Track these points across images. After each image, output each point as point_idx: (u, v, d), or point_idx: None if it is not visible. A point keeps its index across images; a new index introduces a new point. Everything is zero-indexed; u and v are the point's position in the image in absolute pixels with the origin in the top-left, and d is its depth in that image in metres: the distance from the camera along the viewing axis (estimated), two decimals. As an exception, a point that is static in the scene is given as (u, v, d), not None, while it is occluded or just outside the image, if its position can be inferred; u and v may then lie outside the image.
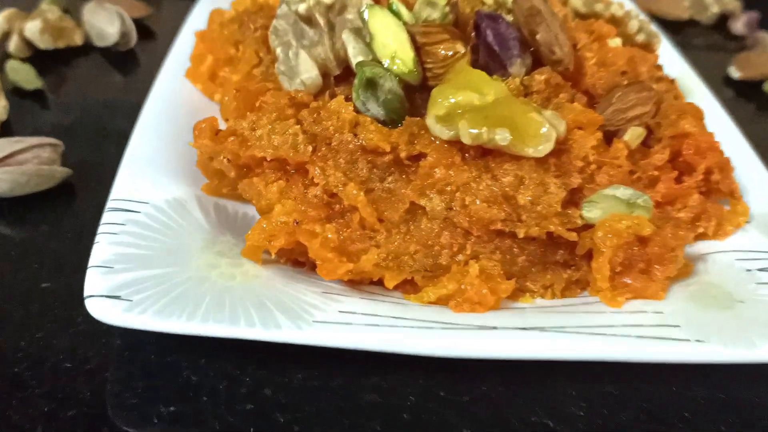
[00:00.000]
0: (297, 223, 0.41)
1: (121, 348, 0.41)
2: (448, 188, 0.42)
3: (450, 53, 0.45)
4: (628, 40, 0.57)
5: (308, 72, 0.46)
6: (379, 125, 0.43)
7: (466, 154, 0.42)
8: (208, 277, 0.40)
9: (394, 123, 0.45)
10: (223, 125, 0.50)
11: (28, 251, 0.49)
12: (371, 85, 0.43)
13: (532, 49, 0.48)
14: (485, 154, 0.42)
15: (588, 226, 0.42)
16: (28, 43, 0.72)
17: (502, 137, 0.40)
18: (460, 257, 0.42)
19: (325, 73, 0.47)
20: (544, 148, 0.41)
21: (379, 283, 0.42)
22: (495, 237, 0.42)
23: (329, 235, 0.41)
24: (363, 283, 0.42)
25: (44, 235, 0.50)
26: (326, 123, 0.43)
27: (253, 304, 0.38)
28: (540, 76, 0.46)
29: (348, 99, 0.45)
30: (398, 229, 0.42)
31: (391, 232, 0.42)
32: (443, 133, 0.41)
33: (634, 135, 0.45)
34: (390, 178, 0.43)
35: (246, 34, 0.54)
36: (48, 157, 0.53)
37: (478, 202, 0.41)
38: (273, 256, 0.42)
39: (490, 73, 0.47)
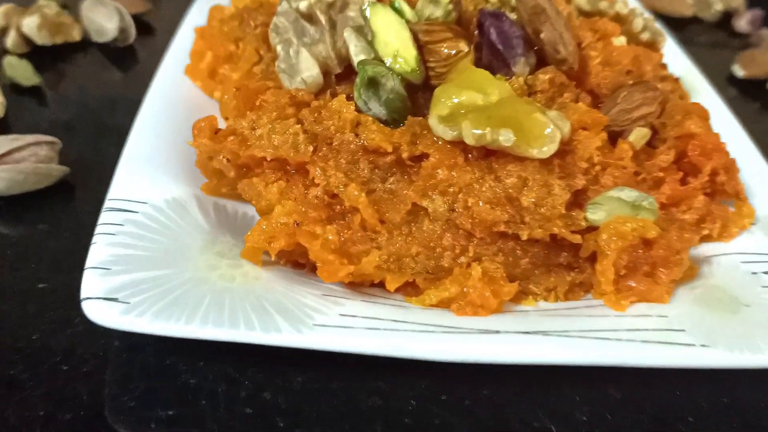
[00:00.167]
0: (297, 224, 0.40)
1: (120, 349, 0.41)
2: (451, 189, 0.41)
3: (453, 52, 0.45)
4: (632, 39, 0.56)
5: (309, 70, 0.45)
6: (381, 125, 0.42)
7: (469, 155, 0.42)
8: (207, 279, 0.39)
9: (396, 123, 0.44)
10: (222, 124, 0.49)
11: (26, 251, 0.48)
12: (373, 84, 0.43)
13: (536, 48, 0.47)
14: (488, 154, 0.42)
15: (592, 229, 0.42)
16: (25, 38, 0.71)
17: (505, 138, 0.39)
18: (463, 259, 0.41)
19: (326, 72, 0.46)
20: (549, 150, 0.40)
21: (381, 285, 0.42)
22: (498, 239, 0.41)
23: (330, 237, 0.40)
24: (364, 285, 0.42)
25: (42, 235, 0.50)
26: (327, 122, 0.43)
27: (253, 306, 0.37)
28: (544, 76, 0.45)
29: (349, 98, 0.44)
30: (400, 230, 0.41)
31: (393, 234, 0.41)
32: (446, 133, 0.41)
33: (639, 136, 0.45)
34: (392, 179, 0.42)
35: (246, 31, 0.53)
36: (45, 155, 0.53)
37: (481, 204, 0.40)
38: (273, 258, 0.41)
39: (493, 72, 0.46)
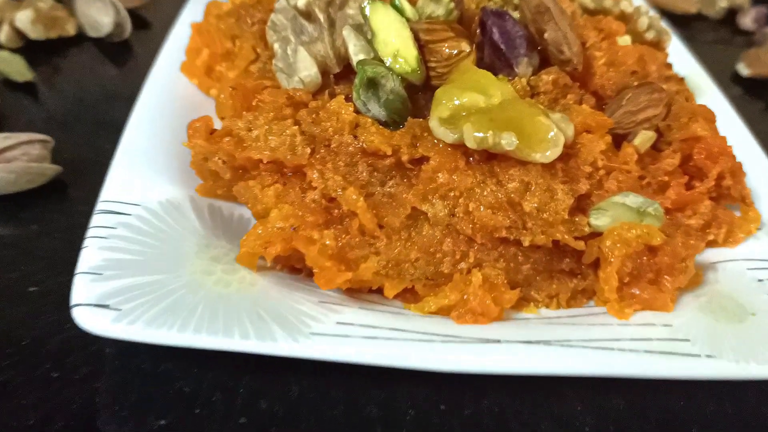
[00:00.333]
0: (294, 229, 0.39)
1: (112, 355, 0.40)
2: (451, 193, 0.40)
3: (455, 52, 0.43)
4: (637, 38, 0.55)
5: (307, 70, 0.44)
6: (381, 127, 0.41)
7: (471, 158, 0.41)
8: (201, 285, 0.38)
9: (396, 124, 0.43)
10: (218, 123, 0.48)
11: (17, 252, 0.47)
12: (372, 85, 0.42)
13: (539, 47, 0.46)
14: (490, 158, 0.41)
15: (595, 234, 0.41)
16: (19, 33, 0.70)
17: (508, 142, 0.38)
18: (463, 265, 0.40)
19: (324, 71, 0.45)
20: (552, 154, 0.39)
21: (379, 290, 0.41)
22: (499, 244, 0.41)
23: (327, 242, 0.39)
24: (362, 291, 0.41)
25: (34, 235, 0.49)
26: (325, 124, 0.42)
27: (248, 314, 0.36)
28: (547, 77, 0.44)
29: (348, 99, 0.43)
30: (399, 235, 0.40)
31: (392, 239, 0.40)
32: (447, 136, 0.40)
33: (644, 139, 0.44)
34: (391, 182, 0.41)
35: (243, 29, 0.52)
36: (38, 153, 0.51)
37: (482, 209, 0.39)
38: (269, 264, 0.40)
39: (495, 72, 0.45)
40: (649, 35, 0.55)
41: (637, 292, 0.40)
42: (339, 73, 0.46)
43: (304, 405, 0.38)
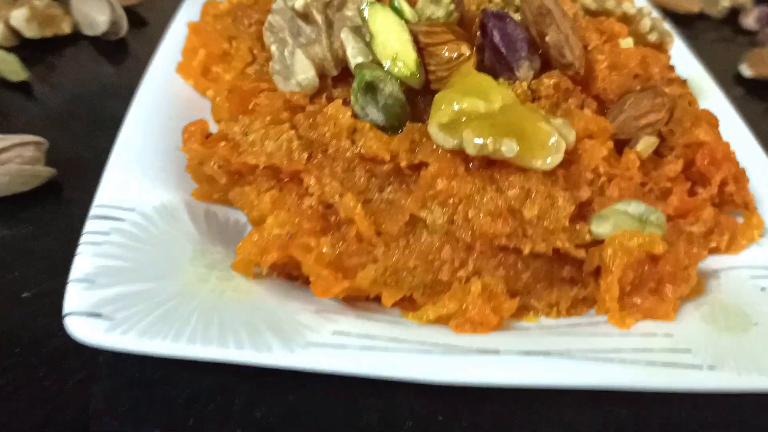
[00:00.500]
0: (290, 235, 0.38)
1: (106, 362, 0.39)
2: (451, 200, 0.39)
3: (455, 55, 0.43)
4: (640, 39, 0.54)
5: (304, 73, 0.44)
6: (379, 132, 0.41)
7: (470, 164, 0.40)
8: (196, 293, 0.38)
9: (395, 129, 0.42)
10: (214, 126, 0.47)
11: (10, 256, 0.46)
12: (371, 89, 0.41)
13: (540, 50, 0.45)
14: (490, 164, 0.40)
15: (596, 241, 0.40)
16: (14, 31, 0.69)
17: (508, 148, 0.38)
18: (462, 273, 0.40)
19: (322, 74, 0.45)
20: (553, 161, 0.38)
21: (376, 298, 0.40)
22: (499, 252, 0.40)
23: (324, 249, 0.38)
24: (359, 299, 0.40)
25: (27, 239, 0.48)
26: (323, 129, 0.41)
27: (243, 323, 0.36)
28: (549, 81, 0.44)
29: (346, 102, 0.43)
30: (397, 242, 0.40)
31: (390, 246, 0.40)
32: (446, 141, 0.39)
33: (646, 145, 0.43)
34: (389, 188, 0.41)
35: (240, 30, 0.51)
36: (31, 156, 0.51)
37: (481, 216, 0.39)
38: (264, 272, 0.40)
39: (496, 76, 0.45)
40: (652, 37, 0.55)
41: (639, 302, 0.39)
42: (337, 76, 0.45)
43: (301, 414, 0.37)
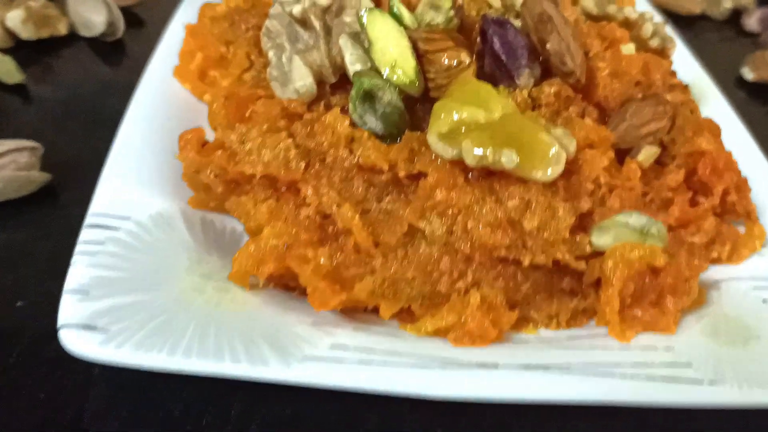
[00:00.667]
0: (287, 246, 0.38)
1: (100, 375, 0.39)
2: (450, 211, 0.39)
3: (454, 63, 0.42)
4: (641, 45, 0.54)
5: (302, 80, 0.43)
6: (377, 141, 0.40)
7: (470, 174, 0.40)
8: (192, 304, 0.37)
9: (394, 137, 0.42)
10: (210, 132, 0.47)
11: (4, 264, 0.46)
12: (369, 97, 0.40)
13: (541, 58, 0.44)
14: (490, 174, 0.40)
15: (596, 252, 0.40)
16: (9, 32, 0.69)
17: (508, 159, 0.37)
18: (461, 284, 0.39)
19: (320, 81, 0.44)
20: (553, 172, 0.38)
21: (374, 309, 0.40)
22: (498, 263, 0.39)
23: (322, 260, 0.38)
24: (357, 310, 0.40)
25: (22, 246, 0.48)
26: (320, 138, 0.41)
27: (240, 336, 0.35)
28: (549, 89, 0.43)
29: (344, 110, 0.42)
30: (395, 253, 0.39)
31: (388, 257, 0.39)
32: (446, 151, 0.39)
33: (648, 155, 0.43)
34: (387, 198, 0.40)
35: (237, 34, 0.50)
36: (26, 161, 0.50)
37: (480, 227, 0.38)
38: (261, 284, 0.39)
39: (496, 83, 0.44)
40: (654, 42, 0.54)
41: (639, 314, 0.39)
42: (335, 83, 0.45)
43: (298, 426, 0.37)
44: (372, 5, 0.45)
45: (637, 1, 0.73)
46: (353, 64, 0.42)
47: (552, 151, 0.38)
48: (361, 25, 0.43)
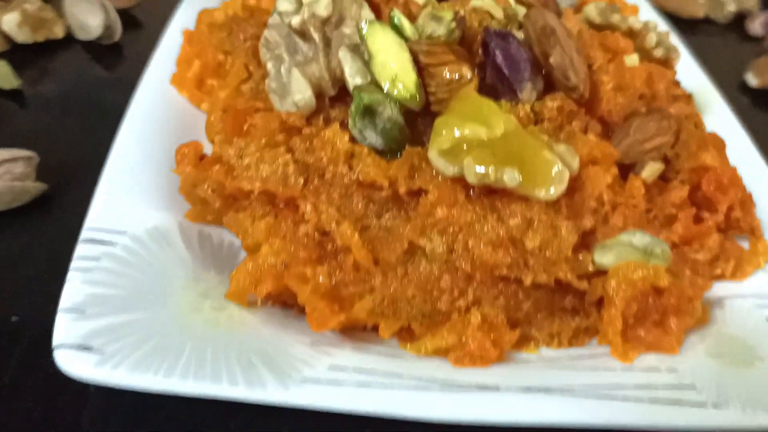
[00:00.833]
0: (285, 265, 0.37)
1: (96, 393, 0.39)
2: (451, 229, 0.38)
3: (456, 77, 0.41)
4: (645, 55, 0.53)
5: (301, 93, 0.42)
6: (377, 157, 0.40)
7: (471, 192, 0.39)
8: (188, 324, 0.37)
9: (394, 152, 0.41)
10: (207, 144, 0.46)
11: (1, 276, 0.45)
12: (369, 112, 0.40)
13: (544, 71, 0.44)
14: (491, 192, 0.39)
15: (599, 271, 0.39)
16: (5, 36, 0.68)
17: (510, 178, 0.37)
18: (461, 302, 0.39)
19: (319, 94, 0.43)
20: (556, 191, 0.37)
21: (374, 327, 0.39)
22: (499, 282, 0.39)
23: (321, 279, 0.37)
24: (356, 328, 0.39)
25: (16, 258, 0.47)
26: (319, 153, 0.40)
27: (237, 357, 0.35)
28: (552, 103, 0.43)
29: (344, 124, 0.42)
30: (395, 271, 0.39)
31: (388, 275, 0.39)
32: (447, 169, 0.38)
33: (652, 171, 0.42)
34: (387, 215, 0.40)
35: (235, 44, 0.49)
36: (21, 172, 0.50)
37: (482, 245, 0.38)
38: (259, 303, 0.39)
39: (497, 96, 0.43)
40: (658, 53, 0.53)
41: (642, 334, 0.38)
42: (334, 96, 0.44)
43: (295, 447, 0.36)
44: (372, 16, 0.44)
45: (640, 6, 0.72)
46: (353, 77, 0.42)
47: (555, 170, 0.37)
48: (362, 37, 0.42)
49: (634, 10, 0.68)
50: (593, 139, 0.41)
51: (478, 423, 0.34)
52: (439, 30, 0.44)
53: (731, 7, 0.90)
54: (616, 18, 0.53)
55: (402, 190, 0.39)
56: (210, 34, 0.52)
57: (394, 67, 0.41)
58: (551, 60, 0.42)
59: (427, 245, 0.39)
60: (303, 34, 0.44)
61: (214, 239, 0.44)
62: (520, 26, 0.47)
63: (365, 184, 0.39)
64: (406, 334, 0.39)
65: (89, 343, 0.34)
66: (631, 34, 0.53)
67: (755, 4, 0.91)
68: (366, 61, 0.42)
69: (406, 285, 0.38)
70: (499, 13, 0.46)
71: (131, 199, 0.43)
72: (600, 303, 0.40)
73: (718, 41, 0.88)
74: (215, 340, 0.36)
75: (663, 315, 0.38)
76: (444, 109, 0.41)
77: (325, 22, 0.44)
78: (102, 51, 0.72)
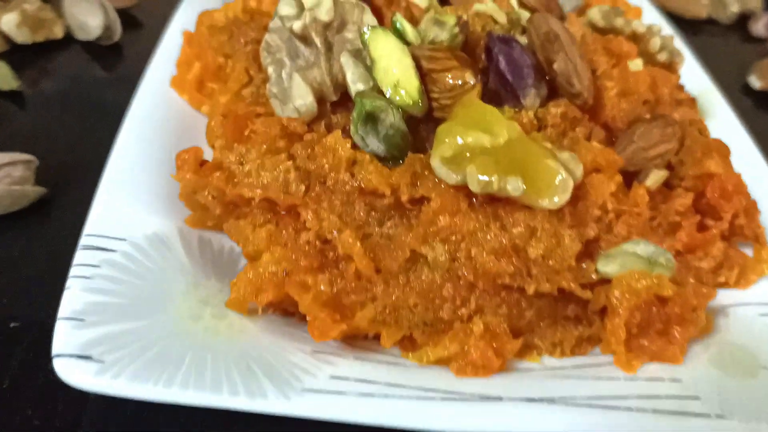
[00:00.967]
0: (286, 273, 0.37)
1: (96, 401, 0.38)
2: (453, 237, 0.38)
3: (458, 83, 0.41)
4: (649, 59, 0.53)
5: (302, 98, 0.42)
6: (379, 164, 0.39)
7: (474, 200, 0.39)
8: (188, 332, 0.36)
9: (396, 159, 0.41)
10: (207, 149, 0.45)
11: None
12: (371, 119, 0.39)
13: (547, 77, 0.43)
14: (494, 200, 0.39)
15: (603, 280, 0.39)
16: (4, 36, 0.67)
17: (514, 187, 0.36)
18: (464, 311, 0.38)
19: (320, 99, 0.43)
20: (560, 200, 0.37)
21: (375, 336, 0.39)
22: (501, 290, 0.39)
23: (322, 287, 0.37)
24: (358, 337, 0.39)
25: (16, 263, 0.47)
26: (321, 160, 0.39)
27: (237, 367, 0.35)
28: (556, 110, 0.42)
29: (345, 130, 0.41)
30: (397, 280, 0.38)
31: (389, 284, 0.38)
32: (449, 177, 0.38)
33: (656, 179, 0.42)
34: (389, 223, 0.39)
35: (236, 48, 0.49)
36: (20, 175, 0.49)
37: (484, 254, 0.37)
38: (260, 311, 0.39)
39: (500, 102, 0.43)
40: (662, 57, 0.53)
41: (646, 344, 0.38)
42: (336, 101, 0.44)
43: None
44: (374, 21, 0.44)
45: (644, 7, 0.72)
46: (355, 83, 0.41)
47: (558, 179, 0.37)
48: (364, 42, 0.42)
49: (638, 12, 0.68)
50: (597, 146, 0.41)
51: (480, 434, 0.34)
52: (442, 35, 0.44)
53: (734, 8, 0.89)
54: (619, 21, 0.53)
55: (404, 197, 0.39)
56: (210, 36, 0.51)
57: (396, 72, 0.41)
58: (555, 66, 0.42)
59: (430, 253, 0.38)
60: (304, 38, 0.43)
61: (214, 245, 0.44)
62: (524, 31, 0.46)
63: (367, 191, 0.39)
64: (408, 343, 0.39)
65: (88, 352, 0.34)
66: (635, 37, 0.52)
67: (759, 5, 0.90)
68: (368, 67, 0.42)
69: (408, 293, 0.38)
70: (502, 18, 0.46)
71: (131, 204, 0.43)
72: (603, 312, 0.39)
73: (720, 42, 0.87)
74: (215, 349, 0.36)
75: (667, 324, 0.38)
76: (447, 115, 0.41)
77: (326, 26, 0.43)
78: (102, 51, 0.72)
